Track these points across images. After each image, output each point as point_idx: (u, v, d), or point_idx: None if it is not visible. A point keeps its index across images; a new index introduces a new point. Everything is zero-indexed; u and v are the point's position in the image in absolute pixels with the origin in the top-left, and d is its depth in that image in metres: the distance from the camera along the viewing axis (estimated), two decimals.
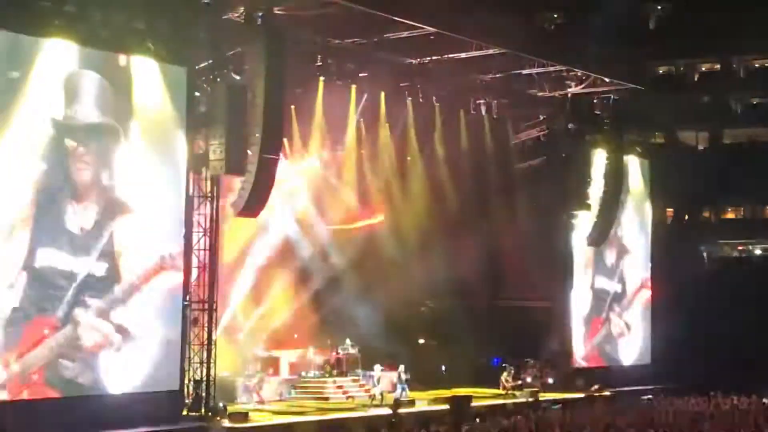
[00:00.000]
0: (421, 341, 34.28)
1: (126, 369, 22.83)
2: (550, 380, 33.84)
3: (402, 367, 30.01)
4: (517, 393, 31.89)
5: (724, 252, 43.82)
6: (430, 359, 33.49)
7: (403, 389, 29.53)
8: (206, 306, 24.94)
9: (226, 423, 23.98)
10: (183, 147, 24.26)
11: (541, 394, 31.85)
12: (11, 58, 21.16)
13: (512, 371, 32.73)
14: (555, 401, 30.62)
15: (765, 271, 40.37)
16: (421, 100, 31.50)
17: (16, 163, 21.10)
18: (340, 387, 30.00)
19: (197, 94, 24.85)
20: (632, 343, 38.13)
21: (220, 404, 24.84)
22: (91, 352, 22.24)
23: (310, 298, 31.80)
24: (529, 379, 33.54)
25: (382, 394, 28.51)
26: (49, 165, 21.65)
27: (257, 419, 24.80)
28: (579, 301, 35.87)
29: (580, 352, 35.79)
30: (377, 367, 29.50)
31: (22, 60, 21.29)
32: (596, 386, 33.15)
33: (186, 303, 24.37)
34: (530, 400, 30.81)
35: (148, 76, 23.51)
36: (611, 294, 37.43)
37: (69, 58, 22.01)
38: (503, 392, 31.82)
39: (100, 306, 22.43)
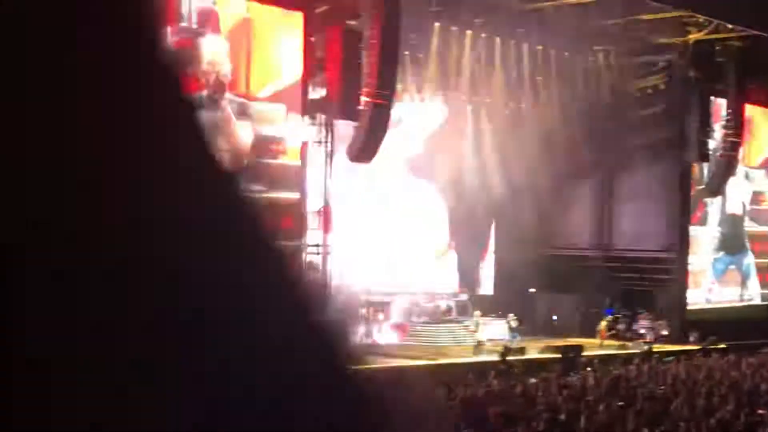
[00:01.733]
0: (532, 290, 34.21)
1: None
2: (664, 332, 33.45)
3: (512, 315, 30.10)
4: (630, 344, 31.62)
5: None
6: (541, 309, 33.41)
7: (513, 337, 29.63)
8: (321, 250, 25.38)
9: None
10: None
11: (655, 346, 31.50)
12: None
13: (611, 321, 32.32)
14: (669, 353, 30.28)
15: None
16: (537, 47, 31.15)
17: None
18: (450, 333, 30.23)
19: (313, 39, 25.08)
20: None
21: None
22: None
23: (423, 244, 32.02)
24: (642, 331, 33.21)
25: (480, 342, 28.62)
26: None
27: (368, 363, 25.11)
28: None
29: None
30: (477, 314, 29.64)
31: None
32: (712, 338, 32.62)
33: (302, 246, 24.84)
34: (644, 350, 30.52)
35: (265, 21, 23.89)
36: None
37: None
38: (600, 341, 31.35)
39: None
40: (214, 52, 23.08)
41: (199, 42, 22.77)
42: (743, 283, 37.24)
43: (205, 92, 22.77)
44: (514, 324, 29.93)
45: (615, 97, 33.76)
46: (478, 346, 28.47)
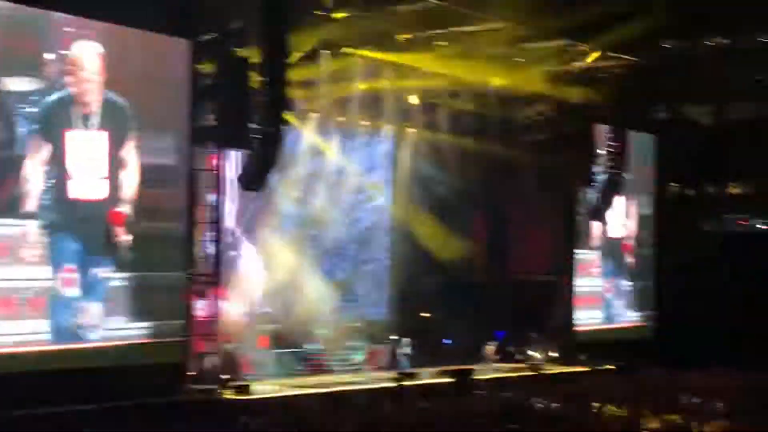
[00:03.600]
0: (425, 315, 34.38)
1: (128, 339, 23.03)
2: (553, 353, 33.96)
3: (406, 340, 30.19)
4: (521, 366, 32.08)
5: (727, 226, 43.75)
6: (433, 333, 33.57)
7: (406, 362, 29.74)
8: (210, 279, 25.08)
9: (228, 395, 24.16)
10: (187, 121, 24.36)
11: (544, 368, 32.00)
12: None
13: (499, 344, 32.59)
14: (558, 374, 30.76)
15: (767, 245, 40.33)
16: (427, 72, 31.45)
17: None
18: (341, 360, 30.15)
19: (200, 67, 24.87)
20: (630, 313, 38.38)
21: (223, 376, 25.04)
22: None
23: (314, 271, 31.88)
24: (532, 353, 33.68)
25: (360, 365, 28.64)
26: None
27: (260, 392, 24.93)
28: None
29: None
30: (360, 339, 29.73)
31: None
32: (599, 359, 33.29)
33: (189, 275, 24.52)
34: (534, 372, 31.00)
35: (150, 48, 23.57)
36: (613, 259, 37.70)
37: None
38: (488, 365, 31.52)
39: None
40: (88, 60, 22.42)
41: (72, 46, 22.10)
42: (621, 300, 37.90)
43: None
44: (407, 349, 30.05)
45: (503, 124, 34.28)
46: (359, 371, 28.49)
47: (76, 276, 22.10)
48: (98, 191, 22.59)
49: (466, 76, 31.84)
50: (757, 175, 42.64)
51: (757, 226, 43.50)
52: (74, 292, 22.05)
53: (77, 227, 22.12)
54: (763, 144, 39.83)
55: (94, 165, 22.52)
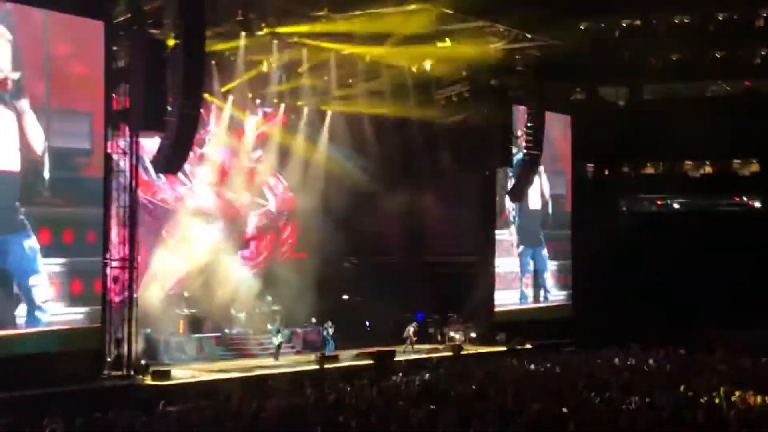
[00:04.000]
0: (345, 297, 34.39)
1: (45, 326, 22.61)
2: (473, 334, 34.21)
3: (329, 323, 30.18)
4: (440, 347, 32.28)
5: (643, 206, 44.55)
6: (354, 316, 33.61)
7: (327, 343, 29.75)
8: (127, 264, 24.71)
9: (148, 381, 23.90)
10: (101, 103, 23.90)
11: (464, 348, 32.23)
12: None
13: (418, 325, 32.61)
14: (477, 355, 30.94)
15: (682, 225, 41.15)
16: (345, 53, 31.36)
17: None
18: (260, 344, 30.02)
19: (115, 48, 24.42)
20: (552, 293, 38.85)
21: (142, 362, 24.76)
22: None
23: (234, 255, 31.69)
24: (452, 334, 33.88)
25: (279, 346, 28.55)
26: None
27: (180, 377, 24.70)
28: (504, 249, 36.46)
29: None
30: (275, 320, 29.65)
31: None
32: (518, 339, 33.64)
33: (106, 261, 24.15)
34: (453, 353, 31.21)
35: (63, 30, 23.03)
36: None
37: None
38: (409, 347, 31.54)
39: None
40: None
41: None
42: (539, 279, 38.27)
43: None
44: (331, 331, 30.04)
45: (421, 106, 34.31)
46: (276, 352, 28.41)
47: None
48: (11, 163, 22.12)
49: (383, 57, 31.82)
50: (672, 156, 43.47)
51: (674, 205, 44.44)
52: None
53: None
54: (677, 124, 40.55)
55: (5, 138, 22.00)
